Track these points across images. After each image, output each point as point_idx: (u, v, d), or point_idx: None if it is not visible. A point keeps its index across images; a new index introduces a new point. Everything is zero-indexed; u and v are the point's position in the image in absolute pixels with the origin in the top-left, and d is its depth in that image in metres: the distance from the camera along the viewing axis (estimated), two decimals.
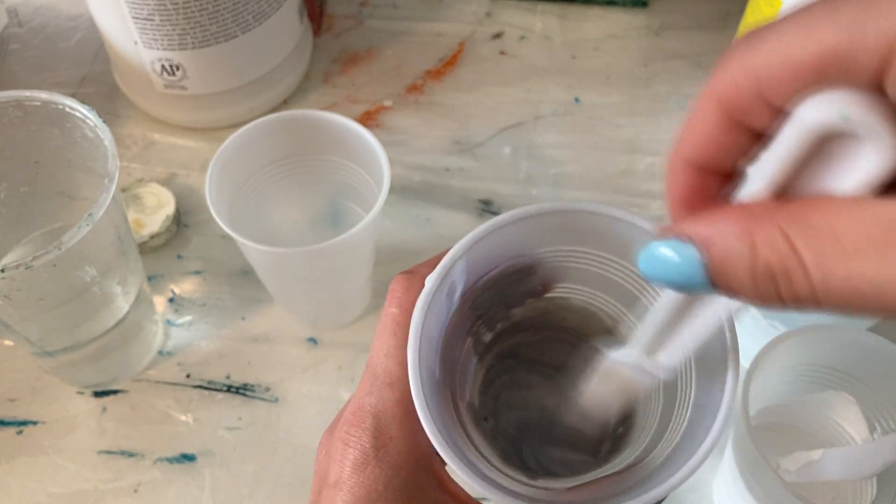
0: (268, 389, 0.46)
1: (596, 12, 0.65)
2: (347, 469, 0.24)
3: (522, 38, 0.63)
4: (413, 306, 0.26)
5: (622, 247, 0.30)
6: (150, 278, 0.50)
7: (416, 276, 0.27)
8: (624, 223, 0.29)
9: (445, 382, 0.28)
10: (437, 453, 0.24)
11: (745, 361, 0.47)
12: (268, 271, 0.44)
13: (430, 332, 0.27)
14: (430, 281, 0.27)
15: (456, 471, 0.24)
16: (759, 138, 0.19)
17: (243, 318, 0.49)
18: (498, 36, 0.63)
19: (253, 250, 0.40)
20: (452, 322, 0.30)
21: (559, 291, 0.32)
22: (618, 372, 0.27)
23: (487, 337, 0.33)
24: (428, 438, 0.24)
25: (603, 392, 0.28)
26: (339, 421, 0.25)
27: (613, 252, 0.31)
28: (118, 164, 0.37)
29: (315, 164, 0.46)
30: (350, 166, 0.46)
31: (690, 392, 0.29)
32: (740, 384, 0.35)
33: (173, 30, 0.49)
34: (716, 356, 0.27)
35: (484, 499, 0.26)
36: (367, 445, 0.24)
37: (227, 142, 0.42)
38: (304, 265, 0.42)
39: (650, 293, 0.31)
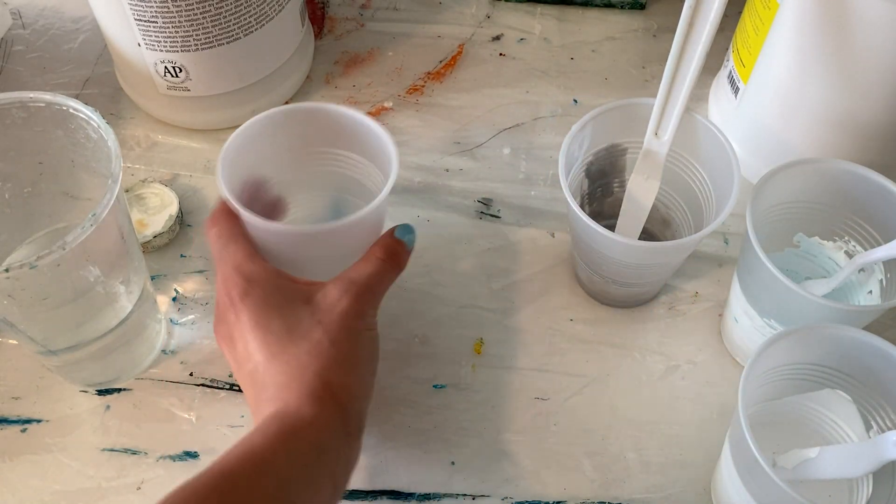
0: None
1: (594, 14, 0.65)
2: (237, 300, 0.38)
3: (521, 40, 0.64)
4: None
5: (684, 138, 0.44)
6: (153, 277, 0.51)
7: None
8: (689, 116, 0.43)
9: None
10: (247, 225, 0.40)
11: (743, 361, 0.47)
12: (272, 255, 0.44)
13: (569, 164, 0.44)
14: (575, 127, 0.43)
15: (249, 219, 0.39)
16: None
17: None
18: (497, 38, 0.64)
19: (263, 230, 0.40)
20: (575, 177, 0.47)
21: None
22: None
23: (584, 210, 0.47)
24: (271, 267, 0.39)
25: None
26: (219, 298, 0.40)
27: (677, 144, 0.45)
28: (122, 164, 0.38)
29: (321, 157, 0.46)
30: (356, 159, 0.46)
31: (712, 197, 0.44)
32: (740, 383, 0.36)
33: (176, 32, 0.50)
34: (723, 164, 0.43)
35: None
36: (242, 285, 0.38)
37: (239, 129, 0.43)
38: (310, 247, 0.42)
39: (698, 179, 0.45)
